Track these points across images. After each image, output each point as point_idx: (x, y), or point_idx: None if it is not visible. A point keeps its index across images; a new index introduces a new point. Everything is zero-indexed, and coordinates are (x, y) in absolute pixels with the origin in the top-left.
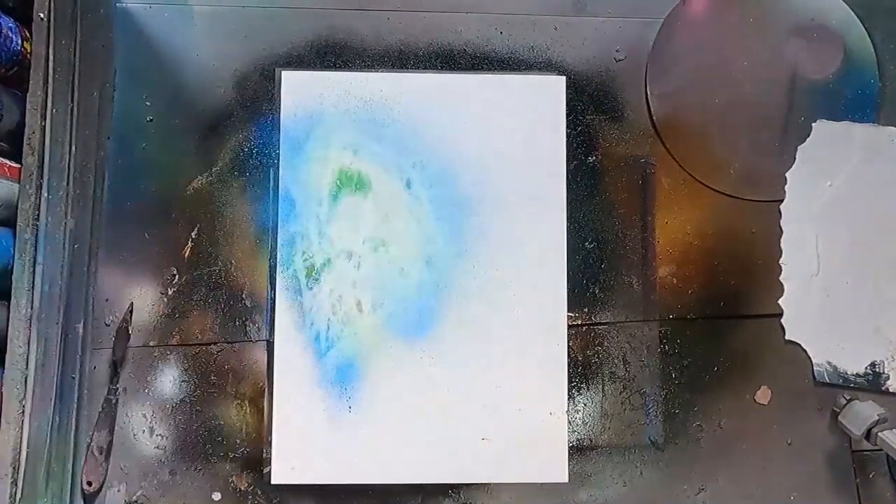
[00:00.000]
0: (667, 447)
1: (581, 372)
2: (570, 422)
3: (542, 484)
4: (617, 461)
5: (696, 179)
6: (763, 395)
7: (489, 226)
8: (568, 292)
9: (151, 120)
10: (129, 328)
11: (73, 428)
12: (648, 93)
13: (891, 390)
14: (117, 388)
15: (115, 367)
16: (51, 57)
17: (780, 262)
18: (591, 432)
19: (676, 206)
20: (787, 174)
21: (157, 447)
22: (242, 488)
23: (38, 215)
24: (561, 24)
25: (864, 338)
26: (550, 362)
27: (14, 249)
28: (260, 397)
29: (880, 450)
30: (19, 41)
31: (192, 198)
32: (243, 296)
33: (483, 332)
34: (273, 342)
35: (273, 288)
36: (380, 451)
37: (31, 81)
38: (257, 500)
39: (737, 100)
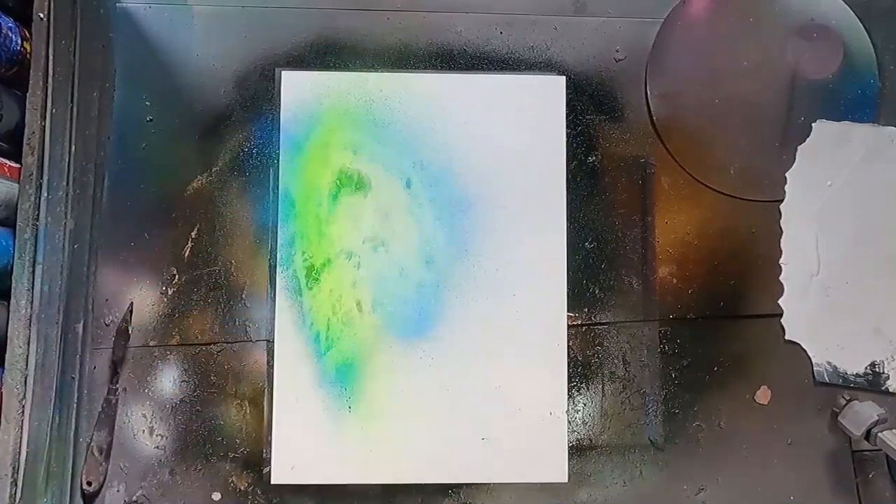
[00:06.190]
0: (667, 447)
1: (581, 372)
2: (570, 422)
3: (542, 484)
4: (617, 461)
5: (696, 179)
6: (763, 395)
7: (489, 226)
8: (568, 292)
9: (151, 120)
10: (129, 328)
11: (73, 428)
12: (648, 93)
13: (891, 390)
14: (117, 388)
15: (115, 367)
16: (51, 57)
17: (780, 262)
18: (591, 432)
19: (676, 206)
20: (787, 174)
21: (157, 447)
22: (242, 488)
23: (38, 215)
24: (561, 24)
25: (864, 338)
26: (550, 362)
27: (14, 249)
28: (260, 397)
29: (880, 450)
30: (19, 41)
31: (192, 198)
32: (243, 296)
33: (483, 332)
34: (273, 342)
35: (273, 288)
36: (380, 451)
37: (30, 81)
38: (257, 500)
39: (737, 100)
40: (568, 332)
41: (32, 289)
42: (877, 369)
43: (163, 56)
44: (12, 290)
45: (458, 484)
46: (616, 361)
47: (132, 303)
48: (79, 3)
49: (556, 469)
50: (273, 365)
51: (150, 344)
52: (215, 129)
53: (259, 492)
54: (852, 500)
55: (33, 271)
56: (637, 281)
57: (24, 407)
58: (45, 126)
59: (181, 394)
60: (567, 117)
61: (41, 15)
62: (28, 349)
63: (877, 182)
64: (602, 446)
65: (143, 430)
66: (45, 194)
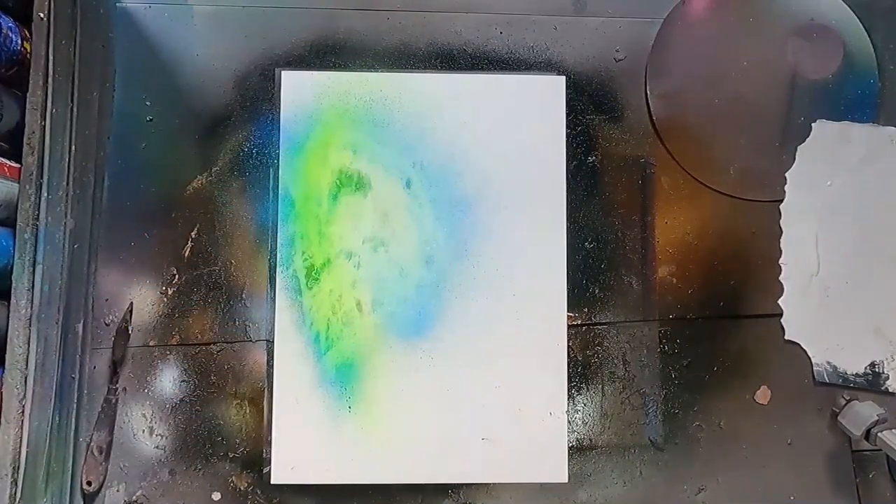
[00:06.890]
0: (667, 447)
1: (581, 372)
2: (570, 422)
3: (542, 484)
4: (617, 461)
5: (696, 179)
6: (763, 395)
7: (489, 226)
8: (568, 292)
9: (151, 120)
10: (129, 328)
11: (73, 428)
12: (648, 93)
13: (890, 390)
14: (117, 388)
15: (115, 367)
16: (51, 57)
17: (780, 262)
18: (591, 432)
19: (676, 206)
20: (787, 174)
21: (157, 447)
22: (242, 488)
23: (38, 215)
24: (561, 24)
25: (864, 338)
26: (550, 362)
27: (14, 249)
28: (260, 397)
29: (880, 450)
30: (19, 41)
31: (192, 198)
32: (243, 296)
33: (483, 332)
34: (273, 342)
35: (273, 288)
36: (380, 451)
37: (31, 81)
38: (257, 500)
39: (737, 100)
40: (568, 332)
41: (32, 289)
42: (877, 369)
43: (163, 56)
44: (12, 290)
45: (458, 484)
46: (616, 361)
47: (132, 303)
48: (79, 3)
49: (556, 469)
50: (273, 365)
51: (150, 344)
52: (215, 129)
53: (259, 492)
54: (852, 500)
55: (33, 271)
56: (637, 281)
57: (24, 407)
58: (45, 126)
59: (181, 394)
60: (567, 117)
61: (41, 15)
62: (28, 349)
63: (876, 182)
64: (602, 446)
65: (143, 430)
66: (45, 194)
